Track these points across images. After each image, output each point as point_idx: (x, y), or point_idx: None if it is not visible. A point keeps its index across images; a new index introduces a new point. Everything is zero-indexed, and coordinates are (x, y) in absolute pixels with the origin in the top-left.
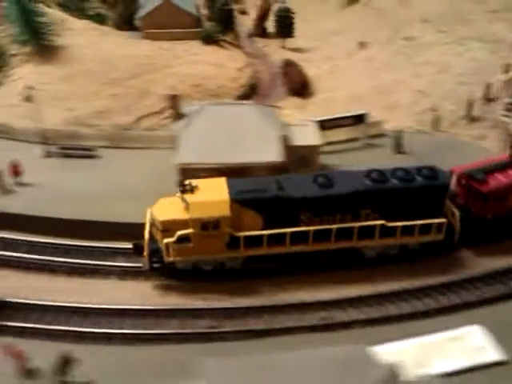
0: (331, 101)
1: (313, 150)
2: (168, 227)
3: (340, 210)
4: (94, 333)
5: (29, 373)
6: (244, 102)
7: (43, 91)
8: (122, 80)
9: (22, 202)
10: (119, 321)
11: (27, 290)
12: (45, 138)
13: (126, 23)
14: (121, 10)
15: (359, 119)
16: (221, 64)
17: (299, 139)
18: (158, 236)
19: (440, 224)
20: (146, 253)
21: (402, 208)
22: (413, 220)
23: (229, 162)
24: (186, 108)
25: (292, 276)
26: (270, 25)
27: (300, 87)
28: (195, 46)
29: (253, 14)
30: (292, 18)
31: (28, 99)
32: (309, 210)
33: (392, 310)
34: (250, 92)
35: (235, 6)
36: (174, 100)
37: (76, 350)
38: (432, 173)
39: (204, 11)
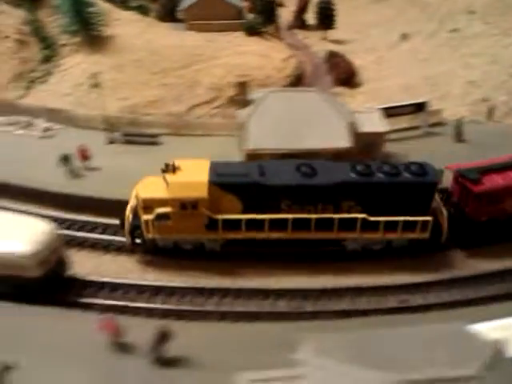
0: (380, 91)
1: (379, 136)
2: (149, 205)
3: (322, 200)
4: (189, 311)
5: (123, 346)
6: (308, 88)
7: (94, 79)
8: (172, 70)
9: (92, 185)
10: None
11: (107, 270)
12: (108, 125)
13: (169, 15)
14: (164, 1)
15: (419, 107)
16: (266, 55)
17: (366, 126)
18: (141, 213)
19: (425, 222)
20: (126, 229)
21: (386, 203)
22: (398, 216)
23: (297, 147)
24: (252, 95)
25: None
26: (310, 17)
27: (347, 77)
28: (239, 38)
29: (290, 6)
30: (333, 10)
31: (96, 85)
32: (289, 199)
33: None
34: (296, 82)
35: None
36: (242, 87)
37: (172, 325)
38: (421, 169)
39: (244, 3)
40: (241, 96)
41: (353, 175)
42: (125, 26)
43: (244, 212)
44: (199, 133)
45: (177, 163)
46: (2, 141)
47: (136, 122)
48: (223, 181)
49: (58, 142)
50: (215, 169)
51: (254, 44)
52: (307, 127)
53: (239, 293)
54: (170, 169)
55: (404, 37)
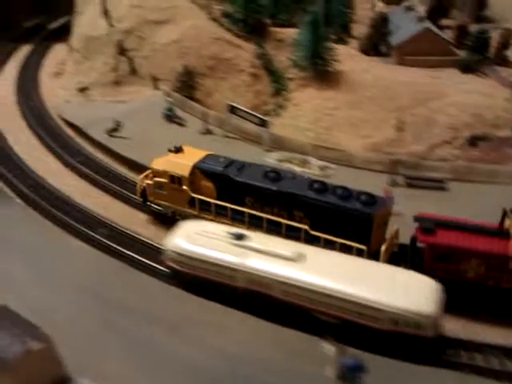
0: None
1: None
2: (154, 174)
3: (277, 205)
4: None
5: None
6: None
7: (331, 116)
8: (407, 108)
9: None
10: None
11: None
12: (390, 167)
13: (373, 48)
14: (371, 34)
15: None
16: (489, 93)
17: None
18: (148, 179)
19: (360, 250)
20: (138, 191)
21: (330, 222)
22: (339, 237)
23: None
24: None
25: None
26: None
27: None
28: (455, 74)
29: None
30: None
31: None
32: (252, 196)
33: None
34: None
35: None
36: None
37: None
38: (369, 199)
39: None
40: None
41: (305, 189)
42: (345, 60)
43: (217, 198)
44: (489, 180)
45: (183, 147)
46: None
47: (418, 165)
48: (202, 167)
49: (337, 182)
50: (205, 158)
51: (474, 82)
52: None
53: None
54: (174, 150)
55: None
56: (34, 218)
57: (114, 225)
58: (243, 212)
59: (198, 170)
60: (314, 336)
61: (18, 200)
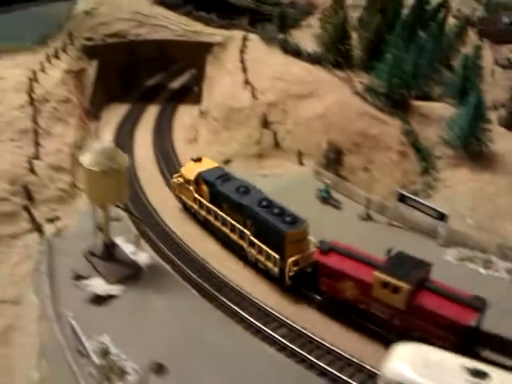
0: None
1: None
2: (180, 175)
3: (239, 212)
4: None
5: None
6: None
7: (492, 202)
8: None
9: None
10: None
11: None
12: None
13: None
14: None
15: None
16: None
17: None
18: (179, 180)
19: (275, 260)
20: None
21: (263, 233)
22: (267, 245)
23: None
24: None
25: None
26: None
27: None
28: None
29: None
30: None
31: None
32: (226, 203)
33: None
34: None
35: None
36: None
37: None
38: (291, 220)
39: None
40: None
41: (255, 204)
42: (497, 138)
43: (209, 201)
44: None
45: (203, 158)
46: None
47: None
48: (203, 175)
49: None
50: (210, 169)
51: None
52: None
53: None
54: (194, 159)
55: None
56: (217, 315)
57: (291, 323)
58: (219, 215)
59: (201, 176)
60: None
61: (193, 290)
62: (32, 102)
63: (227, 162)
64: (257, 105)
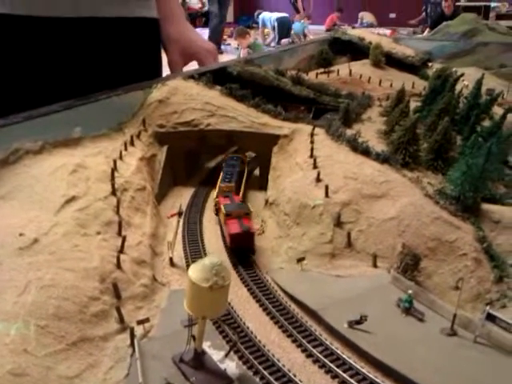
0: None
1: None
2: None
3: None
4: None
5: None
6: None
7: None
8: None
9: None
10: None
11: None
12: None
13: None
14: None
15: None
16: None
17: None
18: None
19: None
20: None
21: None
22: None
23: None
24: None
25: None
26: None
27: None
28: None
29: None
30: None
31: None
32: None
33: None
34: None
35: None
36: None
37: None
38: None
39: None
40: None
41: None
42: None
43: None
44: None
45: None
46: None
47: None
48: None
49: None
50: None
51: None
52: None
53: None
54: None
55: None
56: None
57: None
58: None
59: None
60: None
61: None
62: (114, 191)
63: (300, 259)
64: (329, 203)
